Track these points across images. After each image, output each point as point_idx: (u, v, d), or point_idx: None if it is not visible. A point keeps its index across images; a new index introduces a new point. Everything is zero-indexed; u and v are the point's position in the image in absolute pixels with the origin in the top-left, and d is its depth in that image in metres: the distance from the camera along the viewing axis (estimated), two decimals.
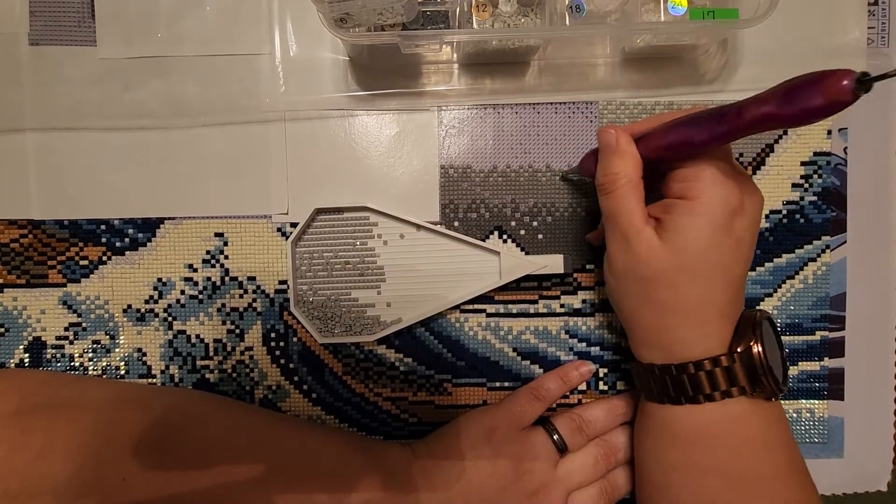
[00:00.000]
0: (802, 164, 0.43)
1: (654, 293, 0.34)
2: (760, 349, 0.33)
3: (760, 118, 0.28)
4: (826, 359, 0.43)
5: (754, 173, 0.43)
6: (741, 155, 0.43)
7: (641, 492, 0.38)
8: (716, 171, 0.32)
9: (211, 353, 0.42)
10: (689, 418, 0.35)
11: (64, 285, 0.42)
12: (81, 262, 0.42)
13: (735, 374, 0.33)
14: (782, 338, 0.43)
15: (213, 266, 0.42)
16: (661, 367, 0.35)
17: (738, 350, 0.33)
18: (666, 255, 0.33)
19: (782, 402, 0.43)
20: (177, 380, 0.43)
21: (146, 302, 0.42)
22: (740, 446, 0.34)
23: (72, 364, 0.42)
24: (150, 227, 0.42)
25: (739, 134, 0.30)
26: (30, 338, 0.42)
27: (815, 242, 0.43)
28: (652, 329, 0.35)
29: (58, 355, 0.42)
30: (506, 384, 0.43)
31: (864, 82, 0.24)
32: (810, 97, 0.26)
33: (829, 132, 0.43)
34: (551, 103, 0.42)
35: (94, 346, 0.42)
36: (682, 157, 0.33)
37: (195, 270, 0.42)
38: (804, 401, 0.43)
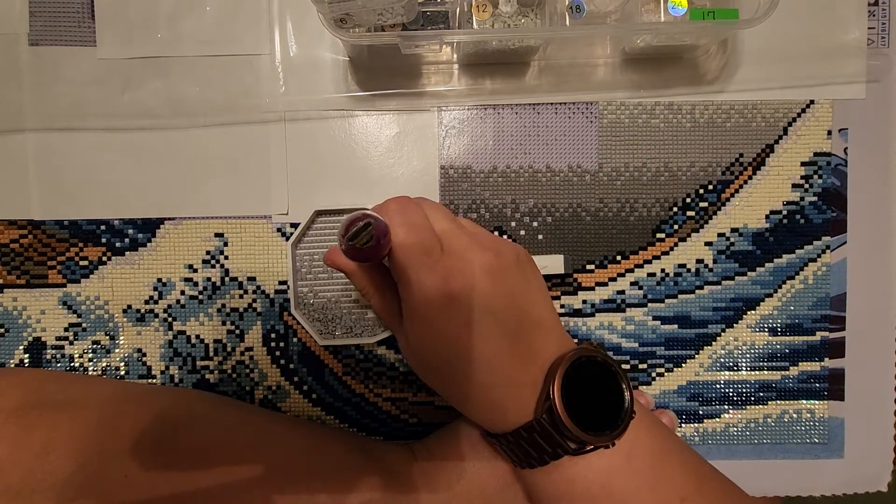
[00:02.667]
0: (802, 164, 0.43)
1: (431, 383, 0.34)
2: (559, 405, 0.30)
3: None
4: (826, 359, 0.43)
5: (754, 174, 0.43)
6: (741, 155, 0.43)
7: None
8: (406, 268, 0.30)
9: (211, 354, 0.42)
10: (535, 483, 0.33)
11: (64, 286, 0.42)
12: (81, 263, 0.42)
13: (551, 437, 0.30)
14: (783, 336, 0.43)
15: (213, 266, 0.42)
16: (491, 434, 0.34)
17: (543, 411, 0.30)
18: (412, 354, 0.33)
19: (782, 403, 0.43)
20: (177, 380, 0.43)
21: (146, 302, 0.42)
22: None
23: (72, 364, 0.42)
24: (150, 227, 0.42)
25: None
26: (30, 338, 0.42)
27: (815, 243, 0.43)
28: (463, 409, 0.34)
29: (58, 356, 0.42)
30: None
31: (353, 237, 0.27)
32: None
33: (830, 133, 0.43)
34: (551, 104, 0.42)
35: (94, 346, 0.42)
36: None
37: (195, 271, 0.42)
38: (804, 401, 0.43)
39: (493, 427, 0.33)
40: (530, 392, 0.31)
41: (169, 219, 0.42)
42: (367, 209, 0.41)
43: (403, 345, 0.34)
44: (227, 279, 0.42)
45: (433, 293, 0.30)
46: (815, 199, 0.43)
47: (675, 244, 0.43)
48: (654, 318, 0.43)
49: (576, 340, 0.37)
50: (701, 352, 0.43)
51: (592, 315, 0.43)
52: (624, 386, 0.32)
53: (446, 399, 0.35)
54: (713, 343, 0.43)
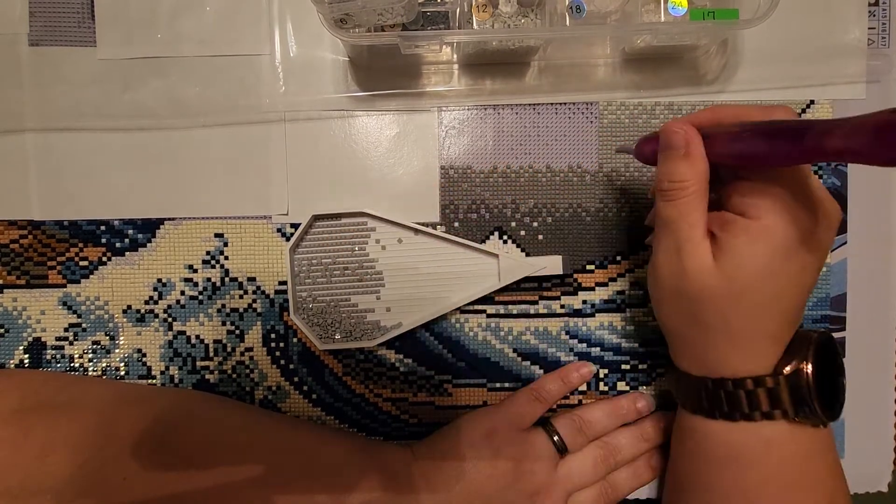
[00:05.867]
0: None
1: (699, 313, 0.32)
2: (811, 371, 0.31)
3: (843, 152, 0.25)
4: None
5: None
6: None
7: (670, 492, 0.38)
8: (784, 191, 0.29)
9: (211, 354, 0.42)
10: (721, 434, 0.33)
11: (64, 286, 0.42)
12: (81, 263, 0.42)
13: (779, 397, 0.31)
14: None
15: (213, 267, 0.42)
16: (698, 377, 0.33)
17: (786, 371, 0.31)
18: (717, 277, 0.30)
19: None
20: (177, 380, 0.42)
21: (146, 303, 0.42)
22: (772, 474, 0.32)
23: (72, 365, 0.42)
24: (149, 227, 0.42)
25: (816, 160, 0.27)
26: (30, 338, 0.42)
27: None
28: (694, 345, 0.33)
29: (58, 356, 0.42)
30: (506, 385, 0.43)
31: None
32: None
33: None
34: (551, 104, 0.42)
35: (94, 346, 0.42)
36: (749, 168, 0.31)
37: (195, 271, 0.42)
38: None
39: (718, 369, 0.32)
40: (777, 350, 0.32)
41: (169, 219, 0.42)
42: (365, 211, 0.41)
43: (700, 262, 0.31)
44: (227, 279, 0.42)
45: (802, 223, 0.30)
46: None
47: None
48: (654, 319, 0.43)
49: None
50: None
51: (592, 315, 0.43)
52: (843, 379, 0.34)
53: (691, 328, 0.33)
54: None
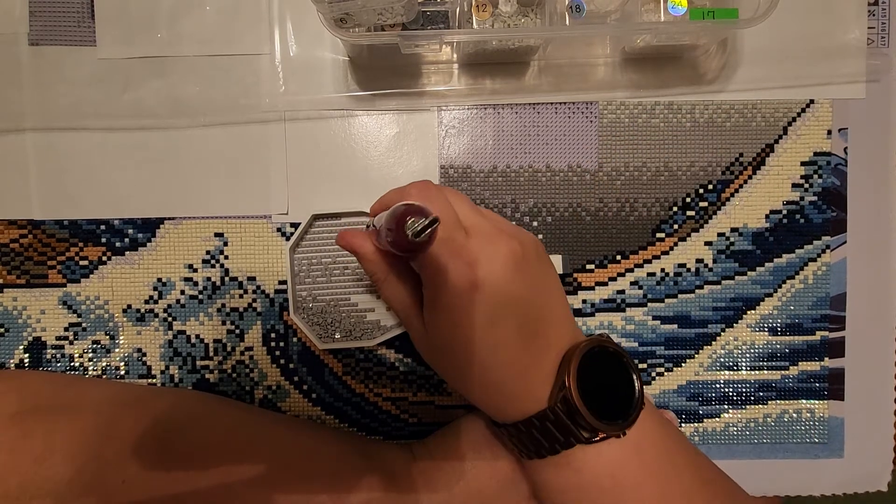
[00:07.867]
0: (802, 164, 0.43)
1: (443, 373, 0.35)
2: (574, 394, 0.30)
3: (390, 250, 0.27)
4: (826, 359, 0.43)
5: (754, 173, 0.43)
6: (741, 155, 0.43)
7: None
8: (433, 255, 0.30)
9: (211, 354, 0.42)
10: (538, 474, 0.34)
11: (64, 285, 0.42)
12: (81, 263, 0.42)
13: (566, 426, 0.30)
14: (783, 336, 0.43)
15: (213, 266, 0.42)
16: (499, 426, 0.34)
17: (557, 401, 0.30)
18: (427, 342, 0.33)
19: (782, 402, 0.43)
20: (177, 380, 0.43)
21: (146, 302, 0.42)
22: (590, 496, 0.31)
23: (72, 364, 0.42)
24: (149, 227, 0.42)
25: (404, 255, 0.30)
26: (30, 338, 0.42)
27: (815, 242, 0.43)
28: (474, 401, 0.34)
29: (58, 355, 0.42)
30: None
31: (417, 232, 0.24)
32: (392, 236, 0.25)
33: (829, 132, 0.43)
34: (551, 103, 0.42)
35: (94, 346, 0.42)
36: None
37: (195, 270, 0.42)
38: (804, 401, 0.43)
39: (504, 416, 0.33)
40: (543, 382, 0.31)
41: (169, 219, 0.42)
42: (365, 210, 0.41)
43: (418, 333, 0.33)
44: (227, 279, 0.42)
45: (458, 280, 0.29)
46: (814, 198, 0.43)
47: (675, 244, 0.43)
48: (654, 318, 0.43)
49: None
50: (701, 351, 0.43)
51: (592, 315, 0.43)
52: (634, 376, 0.32)
53: (457, 389, 0.34)
54: (713, 343, 0.43)
